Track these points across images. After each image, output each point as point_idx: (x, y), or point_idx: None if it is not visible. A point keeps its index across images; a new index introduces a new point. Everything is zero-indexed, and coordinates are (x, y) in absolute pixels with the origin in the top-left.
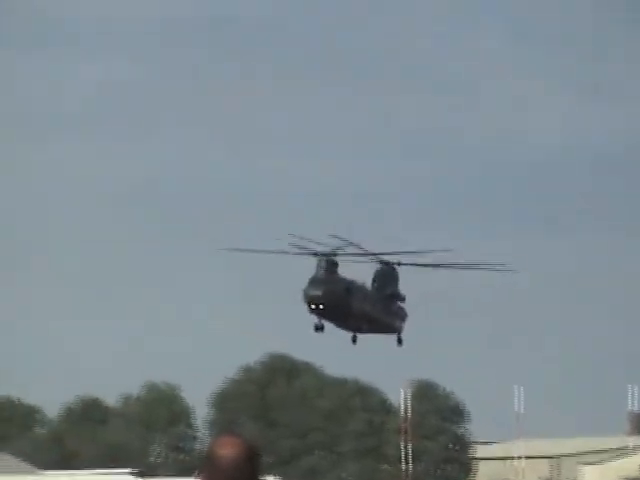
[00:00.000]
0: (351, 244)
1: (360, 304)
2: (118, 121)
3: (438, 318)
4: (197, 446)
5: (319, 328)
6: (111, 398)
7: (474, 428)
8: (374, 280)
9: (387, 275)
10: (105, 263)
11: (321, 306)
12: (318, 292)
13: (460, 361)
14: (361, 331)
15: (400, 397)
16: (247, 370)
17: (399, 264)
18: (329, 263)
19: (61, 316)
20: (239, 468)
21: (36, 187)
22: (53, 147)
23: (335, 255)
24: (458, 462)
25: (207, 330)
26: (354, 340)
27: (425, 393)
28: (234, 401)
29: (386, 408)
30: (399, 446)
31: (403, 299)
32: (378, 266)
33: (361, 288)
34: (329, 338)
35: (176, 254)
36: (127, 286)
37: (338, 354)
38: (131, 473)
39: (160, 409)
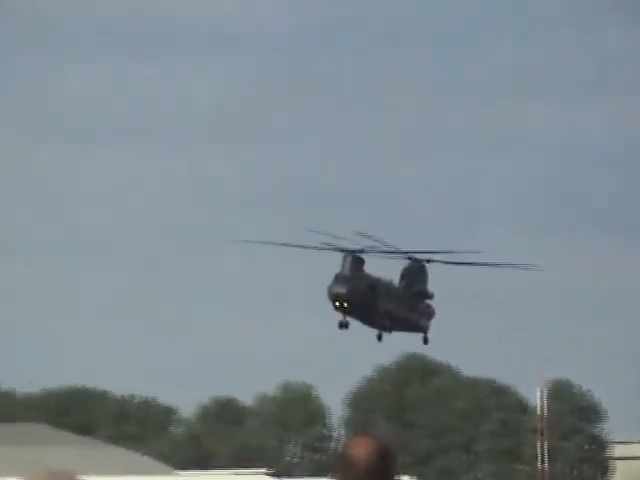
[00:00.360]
0: (376, 241)
1: (385, 302)
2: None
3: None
4: (332, 446)
5: (343, 325)
6: (247, 398)
7: (612, 427)
8: (402, 277)
9: (415, 272)
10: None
11: (345, 304)
12: (342, 289)
13: (595, 360)
14: (386, 329)
15: (536, 396)
16: (383, 370)
17: (428, 261)
18: (355, 260)
19: (199, 316)
20: (373, 468)
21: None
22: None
23: (362, 252)
24: (595, 462)
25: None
26: (379, 338)
27: (561, 392)
28: (370, 401)
29: (522, 408)
30: (535, 446)
31: (431, 297)
32: (406, 263)
33: (387, 285)
34: (467, 338)
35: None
36: (263, 286)
37: (473, 354)
38: (266, 473)
39: (296, 409)
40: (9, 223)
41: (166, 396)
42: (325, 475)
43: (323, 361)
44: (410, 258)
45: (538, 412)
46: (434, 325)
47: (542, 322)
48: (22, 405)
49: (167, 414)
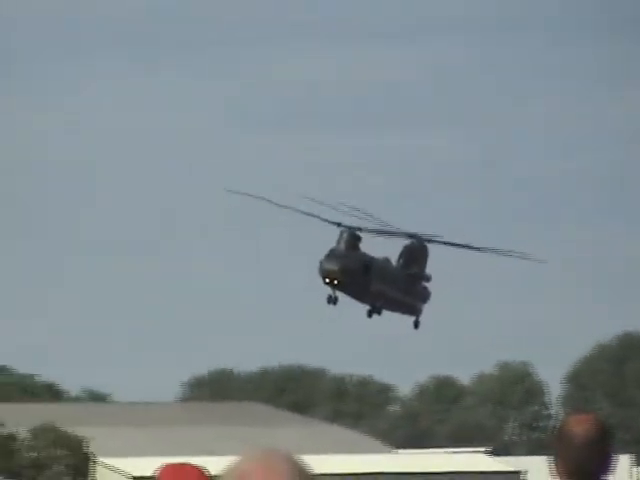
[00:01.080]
0: (372, 217)
1: (378, 283)
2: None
3: None
4: (551, 424)
5: (332, 301)
6: (465, 377)
7: None
8: (400, 256)
9: (415, 252)
10: None
11: (336, 281)
12: (335, 267)
13: None
14: (376, 309)
15: None
16: (602, 347)
17: (429, 241)
18: (351, 236)
19: None
20: (591, 446)
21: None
22: None
23: (360, 230)
24: None
25: (561, 308)
26: (370, 315)
27: None
28: (588, 378)
29: None
30: None
31: (428, 279)
32: (407, 242)
33: (382, 265)
34: None
35: None
36: None
37: None
38: (486, 452)
39: (514, 387)
40: None
41: (383, 374)
42: (544, 453)
43: (539, 340)
44: (411, 236)
45: None
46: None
47: None
48: (240, 384)
49: (384, 392)
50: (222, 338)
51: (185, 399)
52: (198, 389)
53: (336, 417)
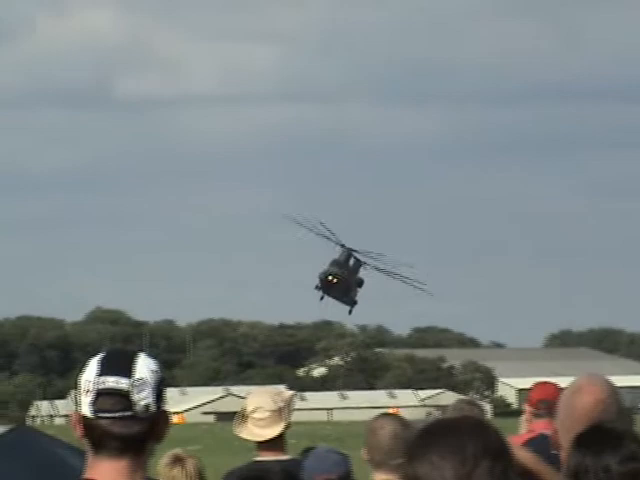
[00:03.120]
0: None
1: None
2: None
3: None
4: None
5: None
6: None
7: None
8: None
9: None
10: None
11: (335, 280)
12: (340, 272)
13: None
14: (327, 292)
15: None
16: None
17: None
18: (349, 256)
19: None
20: None
21: None
22: None
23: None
24: None
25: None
26: (322, 298)
27: None
28: None
29: None
30: None
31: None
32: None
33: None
34: None
35: None
36: None
37: None
38: None
39: None
40: None
41: None
42: None
43: None
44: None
45: None
46: None
47: None
48: None
49: None
50: None
51: None
52: None
53: None
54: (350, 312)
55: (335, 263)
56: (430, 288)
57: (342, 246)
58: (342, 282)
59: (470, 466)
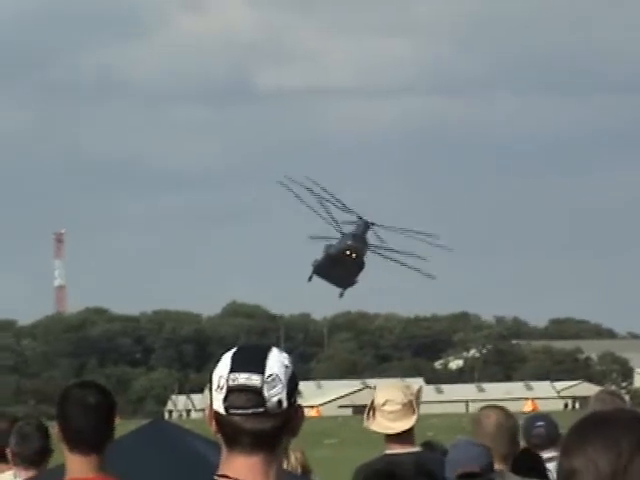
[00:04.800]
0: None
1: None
2: None
3: None
4: None
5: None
6: None
7: None
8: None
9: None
10: None
11: (354, 255)
12: (360, 246)
13: None
14: (319, 274)
15: None
16: None
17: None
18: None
19: None
20: None
21: None
22: None
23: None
24: None
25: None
26: (310, 279)
27: None
28: None
29: None
30: None
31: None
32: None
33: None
34: None
35: None
36: None
37: None
38: None
39: None
40: None
41: None
42: None
43: None
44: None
45: None
46: None
47: None
48: None
49: None
50: None
51: None
52: None
53: None
54: (341, 295)
55: (353, 237)
56: (565, 280)
57: (360, 218)
58: (359, 259)
59: (625, 460)
